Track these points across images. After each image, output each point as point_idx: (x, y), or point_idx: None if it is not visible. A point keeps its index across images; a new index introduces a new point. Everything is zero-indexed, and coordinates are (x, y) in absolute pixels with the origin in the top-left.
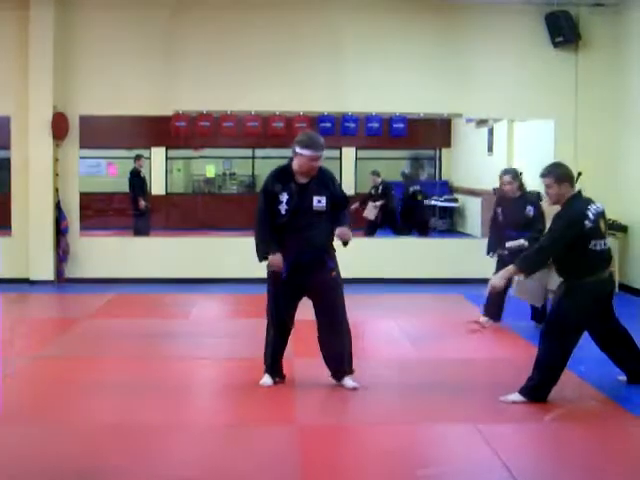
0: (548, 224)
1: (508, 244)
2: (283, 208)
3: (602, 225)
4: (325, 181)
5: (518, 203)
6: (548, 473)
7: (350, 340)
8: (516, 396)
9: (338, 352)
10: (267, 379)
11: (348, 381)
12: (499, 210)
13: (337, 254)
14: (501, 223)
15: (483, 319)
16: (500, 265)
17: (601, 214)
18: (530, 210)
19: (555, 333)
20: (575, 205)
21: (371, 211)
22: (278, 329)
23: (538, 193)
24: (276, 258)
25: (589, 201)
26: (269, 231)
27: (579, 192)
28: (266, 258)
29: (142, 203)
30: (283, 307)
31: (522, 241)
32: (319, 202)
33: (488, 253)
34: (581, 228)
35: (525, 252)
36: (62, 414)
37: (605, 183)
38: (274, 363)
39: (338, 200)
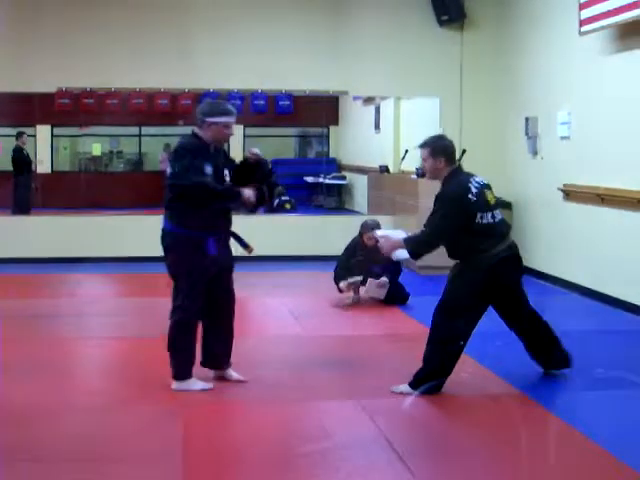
0: None
1: (351, 279)
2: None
3: (489, 197)
4: (226, 153)
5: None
6: (430, 446)
7: None
8: (405, 388)
9: (229, 343)
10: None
11: (233, 373)
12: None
13: None
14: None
15: (348, 298)
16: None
17: (485, 186)
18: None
19: (447, 314)
20: (455, 181)
21: None
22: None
23: None
24: (247, 191)
25: (470, 175)
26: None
27: (459, 167)
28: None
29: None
30: (201, 293)
31: (359, 278)
32: (226, 175)
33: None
34: (466, 203)
35: (415, 235)
36: None
37: (489, 160)
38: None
39: None
